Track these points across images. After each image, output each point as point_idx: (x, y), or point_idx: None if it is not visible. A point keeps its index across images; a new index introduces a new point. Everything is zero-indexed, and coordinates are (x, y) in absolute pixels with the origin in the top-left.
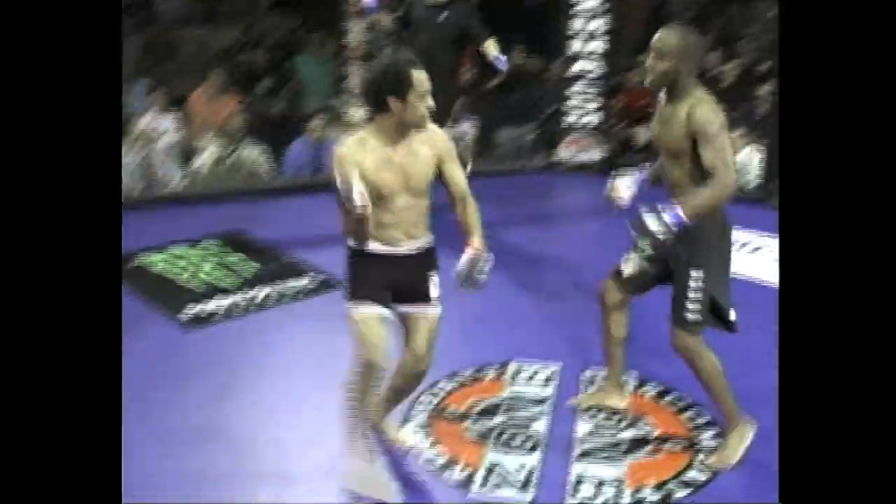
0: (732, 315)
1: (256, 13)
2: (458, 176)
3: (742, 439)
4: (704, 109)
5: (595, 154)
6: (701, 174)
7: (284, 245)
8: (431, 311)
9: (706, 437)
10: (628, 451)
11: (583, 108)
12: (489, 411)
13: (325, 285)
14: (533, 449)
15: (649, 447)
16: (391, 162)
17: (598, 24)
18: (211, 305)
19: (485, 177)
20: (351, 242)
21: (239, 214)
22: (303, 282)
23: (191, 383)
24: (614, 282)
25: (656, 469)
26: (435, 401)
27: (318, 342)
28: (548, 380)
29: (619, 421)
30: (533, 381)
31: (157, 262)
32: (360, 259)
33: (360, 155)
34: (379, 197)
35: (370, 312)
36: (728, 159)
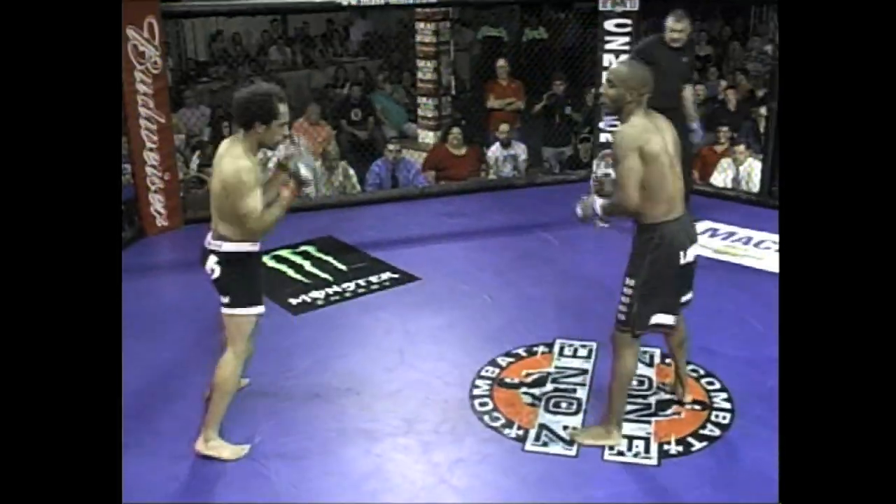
0: (669, 320)
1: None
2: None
3: (599, 438)
4: (620, 134)
5: None
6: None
7: (368, 246)
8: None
9: (719, 400)
10: (655, 412)
11: (614, 128)
12: (540, 381)
13: (400, 280)
14: (576, 412)
15: (673, 408)
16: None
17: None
18: (314, 294)
19: (536, 186)
20: (245, 246)
21: (332, 223)
22: (383, 276)
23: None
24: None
25: (678, 426)
26: (494, 373)
27: (396, 324)
28: (588, 354)
29: (648, 387)
30: (576, 356)
31: (267, 261)
32: (251, 260)
33: (254, 175)
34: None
35: (257, 311)
36: (626, 181)
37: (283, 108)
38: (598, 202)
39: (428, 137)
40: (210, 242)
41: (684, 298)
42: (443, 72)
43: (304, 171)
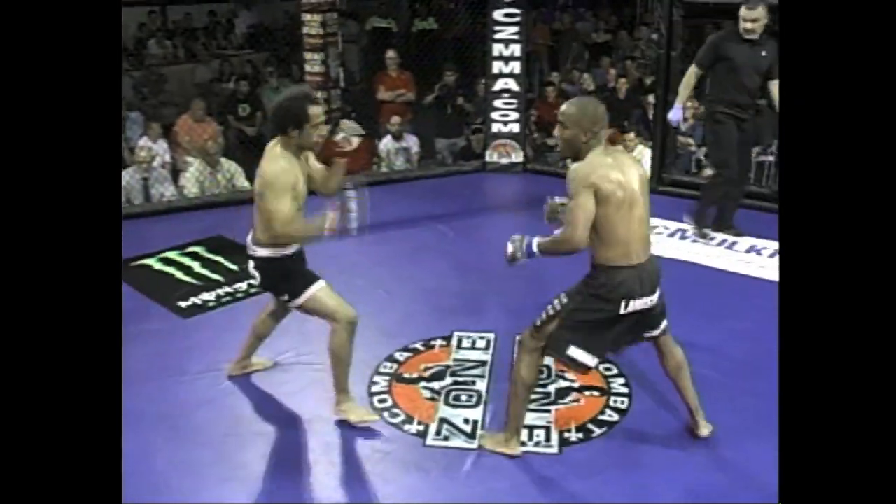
0: (590, 360)
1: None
2: (317, 167)
3: (499, 445)
4: (574, 171)
5: (516, 157)
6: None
7: None
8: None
9: (617, 385)
10: (555, 400)
11: (505, 118)
12: (439, 375)
13: None
14: (476, 404)
15: (572, 396)
16: (299, 180)
17: (515, 49)
18: (204, 296)
19: (429, 178)
20: (288, 251)
21: (220, 221)
22: None
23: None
24: None
25: (578, 413)
26: (392, 368)
27: (291, 323)
28: (486, 346)
29: (548, 376)
30: (474, 347)
31: (154, 263)
32: (291, 261)
33: (289, 177)
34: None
35: (321, 285)
36: (575, 219)
37: (314, 110)
38: (535, 241)
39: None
40: (248, 245)
41: (648, 334)
42: (331, 64)
43: (353, 216)
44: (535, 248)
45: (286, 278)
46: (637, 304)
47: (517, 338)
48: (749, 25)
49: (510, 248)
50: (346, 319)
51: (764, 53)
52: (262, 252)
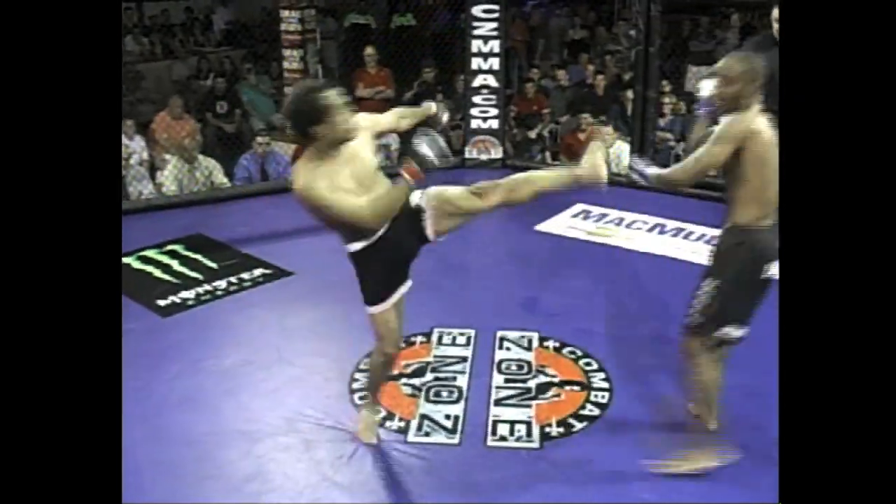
0: (739, 332)
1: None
2: (383, 118)
3: (698, 460)
4: (734, 119)
5: (496, 153)
6: (735, 181)
7: (239, 242)
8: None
9: (597, 380)
10: (535, 396)
11: (485, 115)
12: (419, 371)
13: (274, 275)
14: (457, 400)
15: (553, 391)
16: (340, 174)
17: (494, 45)
18: (183, 294)
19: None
20: (356, 245)
21: (200, 219)
22: (255, 272)
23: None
24: None
25: (559, 408)
26: None
27: (272, 320)
28: (467, 342)
29: (528, 371)
30: (454, 343)
31: (132, 262)
32: (366, 256)
33: (316, 182)
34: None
35: (387, 307)
36: (697, 163)
37: (331, 95)
38: (653, 169)
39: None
40: None
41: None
42: (309, 61)
43: (425, 150)
44: (649, 173)
45: (362, 281)
46: (773, 269)
47: (682, 344)
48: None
49: (636, 162)
50: (384, 350)
51: None
52: (351, 248)
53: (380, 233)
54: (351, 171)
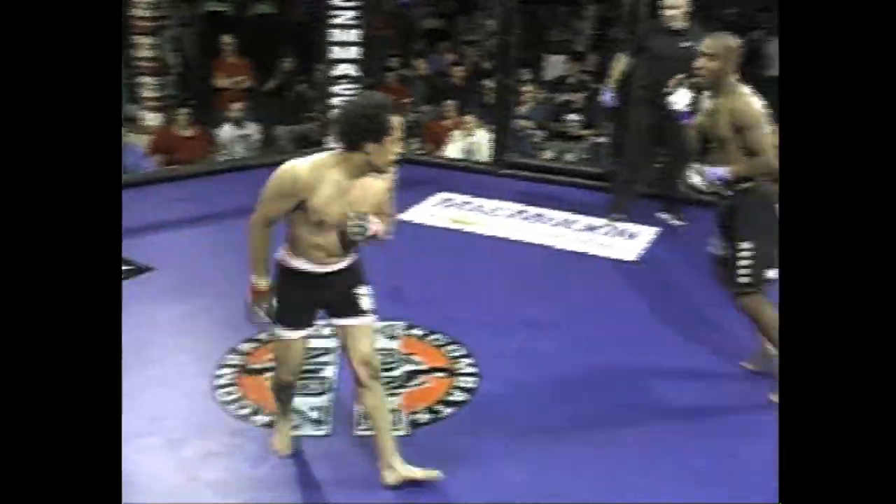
0: (773, 274)
1: None
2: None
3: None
4: (749, 103)
5: None
6: (744, 155)
7: None
8: (367, 321)
9: (463, 365)
10: (403, 384)
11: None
12: None
13: (132, 272)
14: (325, 392)
15: (419, 378)
16: (343, 197)
17: (353, 34)
18: None
19: (270, 166)
20: (287, 261)
21: None
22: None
23: None
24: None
25: (426, 395)
26: (238, 360)
27: (130, 317)
28: (332, 333)
29: (394, 360)
30: (318, 335)
31: None
32: (288, 280)
33: (316, 182)
34: (318, 224)
35: (293, 336)
36: (767, 144)
37: (395, 121)
38: (720, 171)
39: (153, 119)
40: None
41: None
42: (164, 49)
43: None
44: (725, 174)
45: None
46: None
47: (736, 308)
48: (671, 12)
49: (695, 178)
50: (279, 376)
51: (686, 44)
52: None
53: (307, 268)
54: (349, 201)
